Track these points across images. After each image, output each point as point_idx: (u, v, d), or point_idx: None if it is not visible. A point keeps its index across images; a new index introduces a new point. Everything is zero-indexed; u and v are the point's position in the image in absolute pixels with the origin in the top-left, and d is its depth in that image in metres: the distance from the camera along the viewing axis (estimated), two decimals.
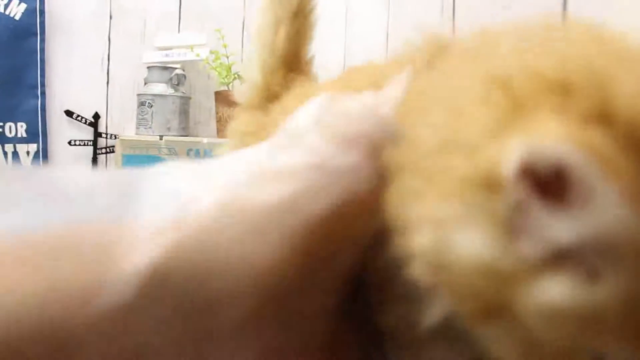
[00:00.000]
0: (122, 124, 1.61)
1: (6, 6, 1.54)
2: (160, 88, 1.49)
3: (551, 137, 0.18)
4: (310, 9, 0.58)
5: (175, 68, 1.51)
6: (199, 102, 1.62)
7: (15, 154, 1.58)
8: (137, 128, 1.52)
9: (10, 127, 1.57)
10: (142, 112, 1.49)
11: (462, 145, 0.21)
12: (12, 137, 1.57)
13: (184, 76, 1.52)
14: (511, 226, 0.20)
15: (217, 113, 1.52)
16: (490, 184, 0.20)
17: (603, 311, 0.20)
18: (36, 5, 1.55)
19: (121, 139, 1.39)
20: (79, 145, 1.60)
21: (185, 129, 1.53)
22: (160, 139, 1.43)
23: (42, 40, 1.56)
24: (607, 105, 0.18)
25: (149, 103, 1.48)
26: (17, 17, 1.55)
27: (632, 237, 0.19)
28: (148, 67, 1.53)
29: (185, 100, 1.53)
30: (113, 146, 1.60)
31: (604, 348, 0.21)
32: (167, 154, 1.39)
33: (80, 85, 1.60)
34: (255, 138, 0.50)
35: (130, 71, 1.61)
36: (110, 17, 1.61)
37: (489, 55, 0.24)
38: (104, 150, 1.61)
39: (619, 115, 0.18)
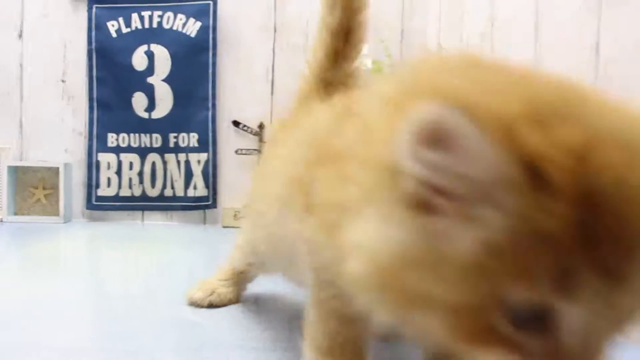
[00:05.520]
0: None
1: (184, 25, 1.64)
2: None
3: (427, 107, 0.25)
4: (351, 29, 0.63)
5: None
6: None
7: (187, 162, 1.68)
8: None
9: (183, 138, 1.67)
10: None
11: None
12: (185, 147, 1.68)
13: None
14: (417, 200, 0.27)
15: None
16: (391, 171, 0.28)
17: (495, 252, 0.24)
18: (209, 23, 1.63)
19: None
20: (245, 154, 1.68)
21: None
22: None
23: (214, 55, 1.64)
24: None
25: None
26: (192, 35, 1.64)
27: (503, 176, 0.24)
28: None
29: None
30: None
31: (506, 293, 0.25)
32: None
33: (246, 96, 1.68)
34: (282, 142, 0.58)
35: (294, 82, 1.67)
36: (275, 31, 1.68)
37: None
38: None
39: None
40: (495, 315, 0.26)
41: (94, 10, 1.67)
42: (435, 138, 0.25)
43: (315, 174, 0.41)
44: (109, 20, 1.67)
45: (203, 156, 1.68)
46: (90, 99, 1.68)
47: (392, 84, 0.34)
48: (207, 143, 1.68)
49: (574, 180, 0.24)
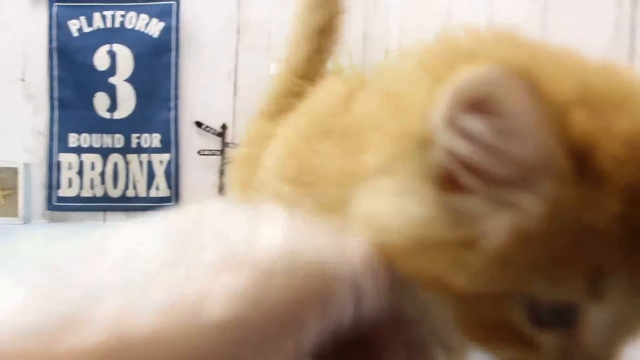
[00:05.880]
0: None
1: (147, 25, 1.63)
2: None
3: (474, 70, 0.21)
4: (333, 28, 0.62)
5: None
6: None
7: (149, 163, 1.68)
8: None
9: (145, 138, 1.67)
10: None
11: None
12: (147, 148, 1.67)
13: None
14: (444, 175, 0.23)
15: None
16: (420, 140, 0.24)
17: (527, 243, 0.22)
18: (172, 23, 1.63)
19: None
20: (208, 155, 1.68)
21: None
22: None
23: (177, 55, 1.64)
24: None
25: None
26: (155, 35, 1.63)
27: (549, 159, 0.22)
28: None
29: None
30: None
31: (532, 287, 0.23)
32: None
33: (209, 97, 1.68)
34: (262, 146, 0.54)
35: (257, 83, 1.68)
36: (238, 32, 1.68)
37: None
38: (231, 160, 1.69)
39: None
40: (512, 310, 0.23)
41: (54, 8, 1.65)
42: (481, 102, 0.21)
43: (314, 148, 0.36)
44: (70, 19, 1.65)
45: (165, 157, 1.68)
46: (51, 99, 1.66)
47: (424, 56, 0.30)
48: (170, 144, 1.67)
49: (623, 173, 0.21)
